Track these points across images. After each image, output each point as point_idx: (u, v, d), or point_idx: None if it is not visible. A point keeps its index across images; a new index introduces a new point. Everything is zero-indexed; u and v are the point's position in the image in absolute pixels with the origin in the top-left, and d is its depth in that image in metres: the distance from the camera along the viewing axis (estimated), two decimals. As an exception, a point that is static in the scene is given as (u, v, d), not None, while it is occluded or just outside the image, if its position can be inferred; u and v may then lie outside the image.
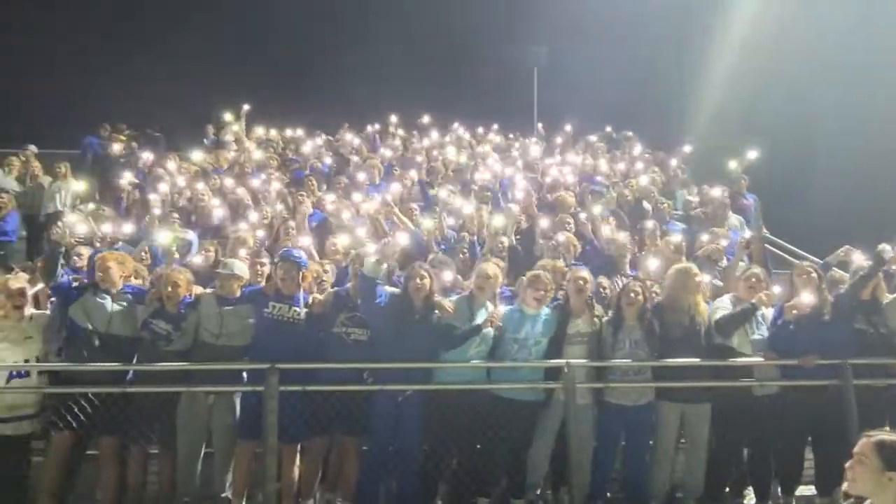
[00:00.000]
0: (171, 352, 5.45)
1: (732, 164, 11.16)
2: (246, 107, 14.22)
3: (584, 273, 5.85)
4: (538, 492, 5.62)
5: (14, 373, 5.31)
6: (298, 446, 5.40)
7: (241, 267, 5.75)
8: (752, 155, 11.06)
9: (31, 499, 5.28)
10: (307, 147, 12.69)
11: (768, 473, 5.73)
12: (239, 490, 5.36)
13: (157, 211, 8.16)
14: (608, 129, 14.92)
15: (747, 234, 8.82)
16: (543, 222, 8.19)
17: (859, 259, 6.37)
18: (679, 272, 5.87)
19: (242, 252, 6.85)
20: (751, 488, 5.79)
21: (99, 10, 20.64)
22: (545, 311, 5.66)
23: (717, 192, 9.93)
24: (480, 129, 14.90)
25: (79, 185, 9.91)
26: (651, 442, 5.63)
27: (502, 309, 5.59)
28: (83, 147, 12.70)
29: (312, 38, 21.47)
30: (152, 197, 8.86)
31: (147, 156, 11.71)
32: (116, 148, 12.27)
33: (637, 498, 5.57)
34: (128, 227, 8.11)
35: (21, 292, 5.48)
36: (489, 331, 5.46)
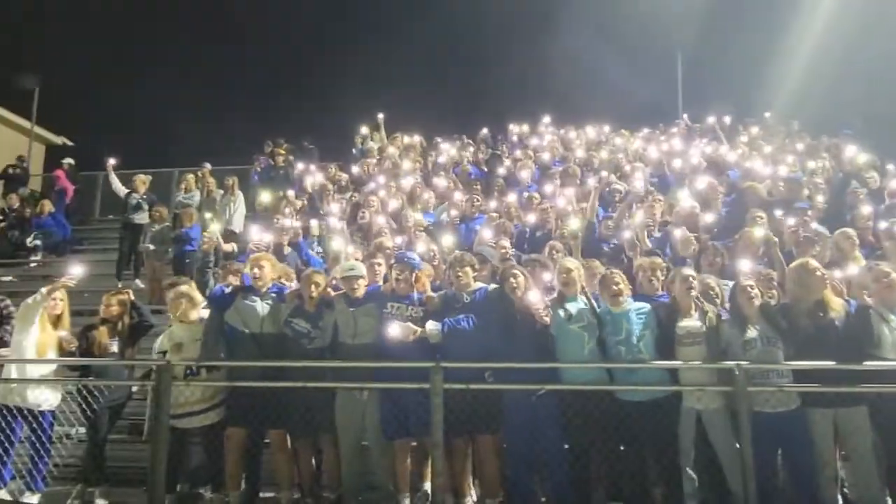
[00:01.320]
0: (313, 349, 5.76)
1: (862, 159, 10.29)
2: (381, 115, 14.80)
3: (690, 271, 5.68)
4: (697, 502, 5.36)
5: (189, 371, 5.85)
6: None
7: (361, 267, 5.95)
8: None
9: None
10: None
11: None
12: (404, 485, 5.54)
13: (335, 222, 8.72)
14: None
15: None
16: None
17: None
18: (795, 270, 5.43)
19: (350, 249, 7.19)
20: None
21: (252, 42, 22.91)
22: (636, 304, 5.51)
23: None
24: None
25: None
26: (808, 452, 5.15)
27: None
28: (254, 162, 13.80)
29: (456, 51, 22.32)
30: (333, 207, 9.57)
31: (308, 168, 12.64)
32: (278, 161, 13.28)
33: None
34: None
35: (184, 296, 6.19)
36: (589, 321, 5.42)
